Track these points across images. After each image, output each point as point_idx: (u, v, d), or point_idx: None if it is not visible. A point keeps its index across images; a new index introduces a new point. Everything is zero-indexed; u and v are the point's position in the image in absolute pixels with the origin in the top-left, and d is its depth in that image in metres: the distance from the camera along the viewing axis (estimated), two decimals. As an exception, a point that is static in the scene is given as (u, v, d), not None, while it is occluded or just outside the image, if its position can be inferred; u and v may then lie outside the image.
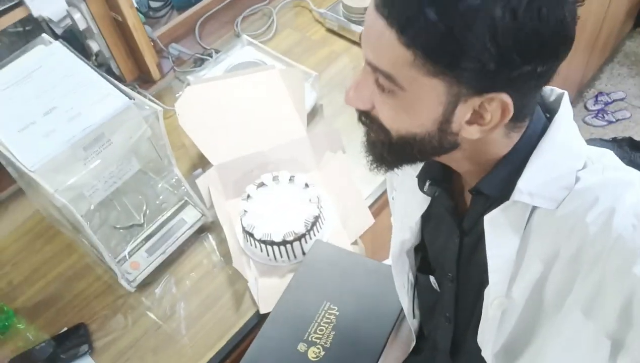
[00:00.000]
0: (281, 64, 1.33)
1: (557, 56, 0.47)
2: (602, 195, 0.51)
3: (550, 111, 0.58)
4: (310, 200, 1.07)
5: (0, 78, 0.93)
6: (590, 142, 0.62)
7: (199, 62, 1.45)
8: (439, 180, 0.64)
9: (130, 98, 0.90)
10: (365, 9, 1.44)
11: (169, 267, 1.09)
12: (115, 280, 1.05)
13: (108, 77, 0.93)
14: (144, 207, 1.11)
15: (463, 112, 0.50)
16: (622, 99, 2.37)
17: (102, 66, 1.38)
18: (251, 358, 0.83)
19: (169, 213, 1.10)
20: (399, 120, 0.52)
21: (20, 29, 1.33)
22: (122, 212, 1.10)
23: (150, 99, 1.26)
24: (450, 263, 0.67)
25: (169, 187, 1.12)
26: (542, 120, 0.57)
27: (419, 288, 0.77)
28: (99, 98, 0.90)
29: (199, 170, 1.17)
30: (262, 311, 0.97)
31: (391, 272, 0.84)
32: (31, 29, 1.34)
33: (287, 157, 1.18)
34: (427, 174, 0.65)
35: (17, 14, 1.20)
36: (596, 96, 2.39)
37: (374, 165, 0.59)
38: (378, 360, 0.79)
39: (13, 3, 1.19)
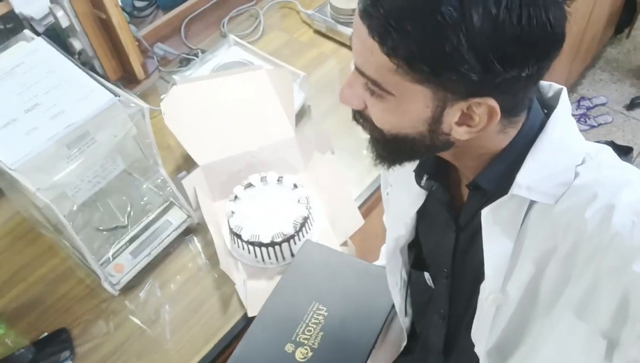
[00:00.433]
0: (269, 64, 1.32)
1: (547, 57, 0.47)
2: (601, 192, 0.50)
3: (548, 107, 0.57)
4: (299, 201, 1.05)
5: (-20, 74, 0.90)
6: None
7: (185, 62, 1.43)
8: (436, 175, 0.63)
9: (115, 95, 0.88)
10: (354, 10, 1.44)
11: (154, 269, 1.06)
12: (98, 283, 1.02)
13: (92, 73, 0.91)
14: (128, 209, 1.09)
15: (451, 115, 0.50)
16: (603, 104, 2.41)
17: (85, 65, 1.35)
18: (238, 359, 0.81)
19: (153, 215, 1.08)
20: (389, 122, 0.52)
21: (2, 26, 1.29)
22: (106, 214, 1.07)
23: (135, 99, 1.24)
24: (446, 259, 0.66)
25: (154, 188, 1.10)
26: (540, 115, 0.57)
27: (412, 285, 0.76)
28: (83, 95, 0.88)
29: (184, 172, 1.15)
30: (250, 314, 0.95)
31: (381, 272, 0.83)
32: (12, 27, 1.31)
33: (275, 157, 1.16)
34: (424, 168, 0.64)
35: (-1, 10, 1.17)
36: (578, 101, 2.43)
37: (377, 161, 0.59)
38: (366, 360, 0.78)
39: (-6, -2, 1.16)
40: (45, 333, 0.98)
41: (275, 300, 0.88)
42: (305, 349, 0.79)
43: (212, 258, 1.07)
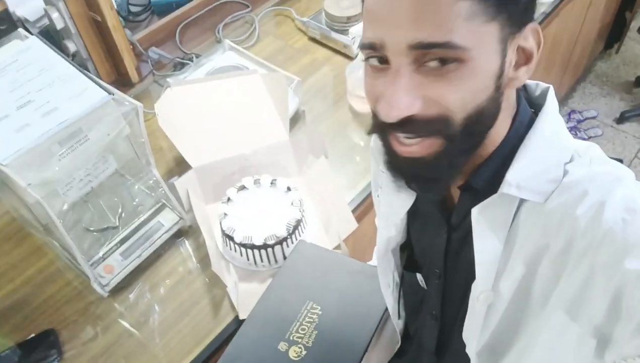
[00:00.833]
0: (263, 69, 1.32)
1: None
2: (592, 188, 0.50)
3: (535, 106, 0.58)
4: (292, 203, 1.05)
5: (-27, 71, 0.90)
6: None
7: (179, 66, 1.44)
8: None
9: (109, 93, 0.87)
10: (348, 18, 1.46)
11: (145, 271, 1.05)
12: (87, 285, 1.00)
13: (86, 72, 0.91)
14: (120, 210, 1.08)
15: (510, 55, 0.50)
16: (594, 117, 2.44)
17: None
18: (230, 356, 0.80)
19: (145, 216, 1.07)
20: (468, 91, 0.48)
21: (-6, 26, 1.29)
22: (97, 214, 1.06)
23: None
24: (438, 260, 0.66)
25: (146, 189, 1.09)
26: (529, 113, 0.57)
27: (405, 287, 0.76)
28: (77, 92, 0.87)
29: (176, 177, 1.14)
30: (242, 316, 0.94)
31: (375, 272, 0.82)
32: (6, 28, 1.30)
33: (268, 161, 1.16)
34: None
35: (-7, 8, 1.17)
36: (569, 114, 2.46)
37: (450, 176, 0.54)
38: (361, 359, 0.77)
39: (-12, -3, 1.16)
40: (32, 335, 0.96)
41: (268, 299, 0.87)
42: (299, 348, 0.79)
43: (204, 261, 1.06)
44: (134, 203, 1.08)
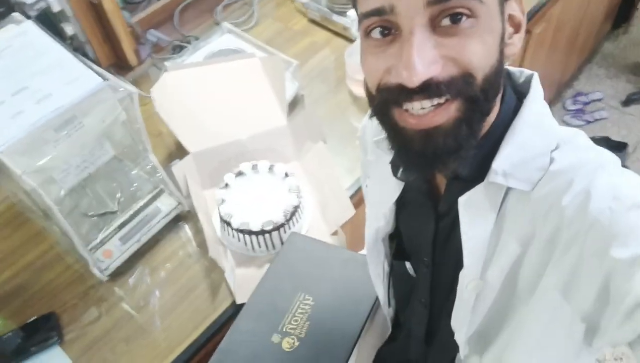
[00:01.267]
0: (261, 52, 1.31)
1: None
2: (577, 177, 0.50)
3: (519, 93, 0.58)
4: (289, 189, 1.05)
5: (-33, 56, 0.89)
6: None
7: (178, 49, 1.42)
8: None
9: (104, 79, 0.87)
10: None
11: (143, 256, 1.06)
12: (87, 269, 1.01)
13: (81, 57, 0.90)
14: (118, 195, 1.08)
15: (505, 20, 0.51)
16: (599, 100, 2.40)
17: (77, 50, 1.34)
18: (224, 350, 0.81)
19: (143, 201, 1.07)
20: (485, 47, 0.48)
21: (-8, 9, 1.28)
22: (95, 200, 1.07)
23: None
24: (426, 248, 0.66)
25: (144, 174, 1.09)
26: (514, 101, 0.57)
27: (395, 276, 0.76)
28: (71, 78, 0.87)
29: (176, 160, 1.14)
30: (239, 301, 0.95)
31: (366, 261, 0.83)
32: (3, 12, 1.29)
33: (266, 146, 1.16)
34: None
35: (-12, -8, 1.16)
36: (574, 96, 2.42)
37: (450, 159, 0.51)
38: (352, 349, 0.78)
39: (-17, -20, 1.14)
40: (34, 317, 0.98)
41: (261, 292, 0.87)
42: (292, 339, 0.79)
43: (202, 246, 1.06)
44: (133, 188, 1.08)
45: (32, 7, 1.32)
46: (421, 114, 0.49)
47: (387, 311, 0.79)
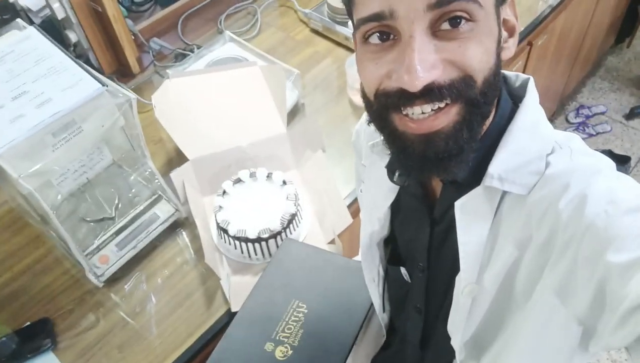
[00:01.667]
0: (263, 61, 1.32)
1: None
2: (573, 181, 0.50)
3: (515, 98, 0.58)
4: (287, 197, 1.05)
5: (-30, 61, 0.90)
6: None
7: (180, 57, 1.43)
8: None
9: (103, 85, 0.87)
10: (350, 10, 1.44)
11: (140, 262, 1.06)
12: (83, 275, 1.01)
13: (81, 63, 0.91)
14: (116, 201, 1.08)
15: (501, 24, 0.51)
16: (603, 113, 2.40)
17: (80, 57, 1.35)
18: (216, 360, 0.80)
19: (141, 207, 1.07)
20: (484, 50, 0.48)
21: (-2, 16, 1.29)
22: (93, 205, 1.07)
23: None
24: (421, 253, 0.66)
25: (142, 181, 1.10)
26: (509, 105, 0.57)
27: (389, 281, 0.76)
28: (71, 84, 0.88)
29: (176, 169, 1.14)
30: (234, 309, 0.95)
31: (360, 267, 0.82)
32: (9, 18, 1.31)
33: (265, 154, 1.16)
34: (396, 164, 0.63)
35: (-5, -2, 1.18)
36: (577, 109, 2.42)
37: (451, 163, 0.51)
38: (347, 357, 0.77)
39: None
40: (28, 323, 0.97)
41: (254, 299, 0.86)
42: (285, 347, 0.78)
43: (199, 253, 1.06)
44: (130, 194, 1.09)
45: (37, 15, 1.33)
46: (421, 118, 0.49)
47: (381, 316, 0.79)
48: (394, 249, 0.73)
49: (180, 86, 1.19)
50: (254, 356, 0.78)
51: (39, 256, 1.08)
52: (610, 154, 2.21)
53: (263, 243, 1.00)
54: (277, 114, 1.19)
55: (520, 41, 1.53)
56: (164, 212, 1.08)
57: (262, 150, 1.15)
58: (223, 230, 1.01)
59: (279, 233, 1.00)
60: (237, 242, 1.01)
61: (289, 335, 0.79)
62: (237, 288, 0.98)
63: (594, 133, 2.32)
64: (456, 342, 0.63)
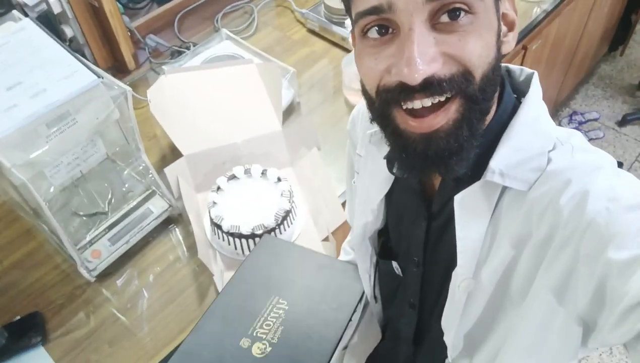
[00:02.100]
0: (259, 59, 1.32)
1: None
2: (574, 177, 0.50)
3: (518, 92, 0.58)
4: (282, 194, 1.04)
5: (-36, 51, 0.89)
6: None
7: (176, 54, 1.43)
8: None
9: (99, 76, 0.87)
10: (347, 10, 1.45)
11: (132, 258, 1.05)
12: (75, 269, 1.00)
13: (77, 55, 0.90)
14: (109, 195, 1.08)
15: (500, 18, 0.51)
16: (595, 119, 2.42)
17: (76, 53, 1.35)
18: (186, 352, 0.75)
19: (135, 202, 1.07)
20: (483, 44, 0.48)
21: (-6, 9, 1.29)
22: (86, 200, 1.06)
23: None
24: (417, 248, 0.65)
25: (135, 176, 1.09)
26: (512, 100, 0.57)
27: (380, 274, 0.75)
28: (66, 75, 0.87)
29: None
30: (226, 305, 0.94)
31: (346, 266, 0.82)
32: (4, 12, 1.30)
33: (260, 151, 1.15)
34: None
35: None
36: (571, 115, 2.44)
37: (452, 161, 0.50)
38: (331, 355, 0.74)
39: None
40: (18, 317, 0.96)
41: (229, 294, 0.82)
42: (264, 344, 0.74)
43: (192, 249, 1.06)
44: (124, 189, 1.08)
45: (34, 9, 1.33)
46: (421, 114, 0.49)
47: (373, 307, 0.78)
48: (384, 242, 0.73)
49: (175, 82, 1.19)
50: (228, 352, 0.74)
51: (30, 250, 1.07)
52: (602, 160, 2.22)
53: (257, 239, 0.99)
54: (273, 111, 1.19)
55: (515, 45, 1.54)
56: (157, 207, 1.07)
57: (257, 147, 1.15)
58: (217, 226, 1.01)
59: (273, 229, 1.00)
60: (230, 238, 1.00)
61: (267, 331, 0.75)
62: (230, 284, 0.97)
63: (587, 139, 2.34)
64: (449, 338, 0.62)
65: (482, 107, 0.51)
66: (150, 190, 1.09)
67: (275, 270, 0.85)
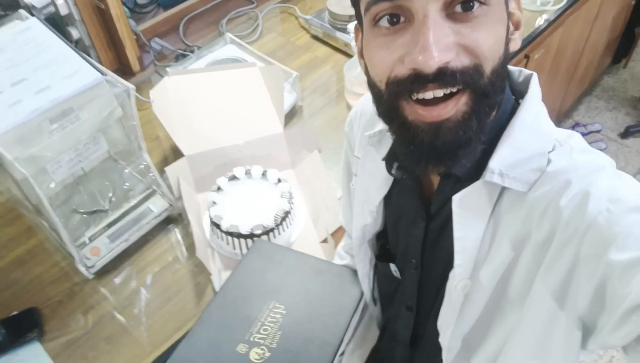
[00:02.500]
0: (262, 62, 1.33)
1: None
2: (575, 178, 0.50)
3: (517, 93, 0.58)
4: (281, 195, 1.05)
5: (-29, 48, 0.91)
6: None
7: (181, 57, 1.45)
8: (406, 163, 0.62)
9: (102, 74, 0.88)
10: (350, 16, 1.46)
11: (131, 256, 1.05)
12: (74, 267, 1.01)
13: (82, 53, 0.92)
14: (110, 194, 1.08)
15: (509, 14, 0.51)
16: (598, 131, 2.42)
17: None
18: (180, 358, 0.73)
19: (135, 201, 1.07)
20: (496, 36, 0.48)
21: (2, 13, 1.31)
22: (87, 197, 1.07)
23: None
24: (415, 250, 0.65)
25: (137, 175, 1.10)
26: (512, 100, 0.57)
27: (379, 276, 0.75)
28: (71, 72, 0.88)
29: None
30: (224, 304, 0.94)
31: (342, 270, 0.82)
32: (11, 12, 1.32)
33: (262, 152, 1.16)
34: (395, 156, 0.62)
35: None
36: (573, 127, 2.44)
37: (460, 153, 0.50)
38: (333, 359, 0.74)
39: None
40: (15, 312, 0.97)
41: (224, 299, 0.81)
42: (262, 349, 0.73)
43: (190, 249, 1.06)
44: (125, 187, 1.09)
45: (41, 12, 1.35)
46: (431, 100, 0.48)
47: (373, 309, 0.78)
48: (382, 245, 0.73)
49: (178, 83, 1.20)
50: (225, 358, 0.72)
51: (30, 247, 1.07)
52: (605, 171, 2.22)
53: (255, 239, 1.00)
54: (275, 114, 1.20)
55: (517, 53, 1.55)
56: (157, 206, 1.08)
57: (259, 149, 1.16)
58: (216, 225, 1.01)
59: (272, 230, 1.00)
60: (229, 238, 1.01)
61: (265, 336, 0.74)
62: (228, 284, 0.97)
63: (590, 151, 2.34)
64: (445, 339, 0.62)
65: (491, 101, 0.50)
66: (150, 190, 1.09)
67: (270, 274, 0.84)
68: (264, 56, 1.34)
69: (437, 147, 0.50)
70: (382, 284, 0.76)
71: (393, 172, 0.62)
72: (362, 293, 0.80)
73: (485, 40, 0.47)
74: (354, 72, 1.26)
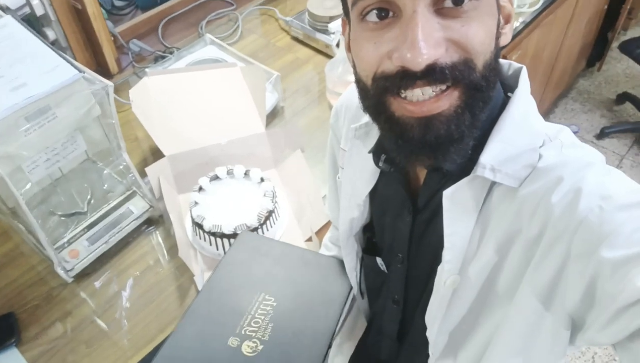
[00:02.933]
0: (243, 63, 1.32)
1: None
2: (566, 174, 0.49)
3: (505, 87, 0.57)
4: (265, 194, 1.04)
5: (-58, 45, 0.88)
6: None
7: (160, 59, 1.43)
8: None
9: (80, 71, 0.86)
10: (331, 18, 1.46)
11: (112, 258, 1.03)
12: (51, 270, 0.98)
13: (58, 50, 0.90)
14: (89, 196, 1.06)
15: (499, 7, 0.50)
16: (575, 133, 2.46)
17: (57, 55, 1.34)
18: (167, 357, 0.71)
19: (114, 203, 1.05)
20: (486, 31, 0.47)
21: (-26, 13, 1.28)
22: (65, 199, 1.04)
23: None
24: (401, 244, 0.64)
25: (116, 176, 1.08)
26: (501, 95, 0.56)
27: (365, 270, 0.74)
28: (47, 69, 0.86)
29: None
30: (207, 305, 0.92)
31: (331, 261, 0.81)
32: (-15, 14, 1.29)
33: (244, 152, 1.15)
34: (382, 148, 0.61)
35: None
36: (551, 128, 2.48)
37: (451, 148, 0.49)
38: (328, 349, 0.73)
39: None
40: (-10, 318, 0.94)
41: (209, 293, 0.79)
42: (254, 342, 0.72)
43: (172, 251, 1.04)
44: (104, 188, 1.06)
45: (16, 13, 1.32)
46: (420, 100, 0.47)
47: (360, 302, 0.77)
48: (369, 238, 0.72)
49: (158, 83, 1.18)
50: (216, 352, 0.71)
51: (5, 250, 1.04)
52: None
53: (241, 231, 0.98)
54: (257, 114, 1.19)
55: (511, 39, 1.57)
56: (138, 207, 1.06)
57: (241, 148, 1.15)
58: (198, 226, 0.99)
59: (256, 229, 0.99)
60: (212, 238, 0.99)
61: (256, 329, 0.73)
62: (211, 284, 0.96)
63: (567, 152, 2.38)
64: (432, 334, 0.61)
65: (485, 96, 0.49)
66: (130, 191, 1.07)
67: (257, 266, 0.83)
68: (244, 57, 1.33)
69: (428, 141, 0.48)
70: (369, 278, 0.76)
71: (380, 164, 0.61)
72: (351, 284, 0.79)
73: (475, 34, 0.46)
74: (335, 72, 1.26)
